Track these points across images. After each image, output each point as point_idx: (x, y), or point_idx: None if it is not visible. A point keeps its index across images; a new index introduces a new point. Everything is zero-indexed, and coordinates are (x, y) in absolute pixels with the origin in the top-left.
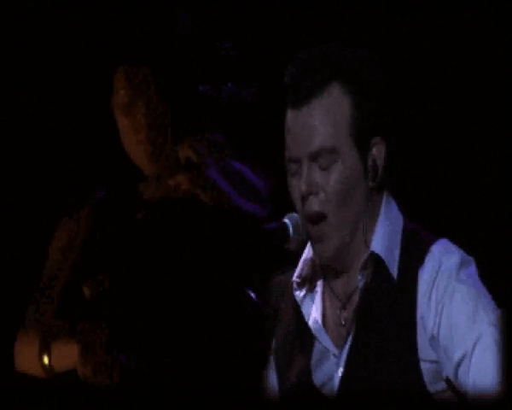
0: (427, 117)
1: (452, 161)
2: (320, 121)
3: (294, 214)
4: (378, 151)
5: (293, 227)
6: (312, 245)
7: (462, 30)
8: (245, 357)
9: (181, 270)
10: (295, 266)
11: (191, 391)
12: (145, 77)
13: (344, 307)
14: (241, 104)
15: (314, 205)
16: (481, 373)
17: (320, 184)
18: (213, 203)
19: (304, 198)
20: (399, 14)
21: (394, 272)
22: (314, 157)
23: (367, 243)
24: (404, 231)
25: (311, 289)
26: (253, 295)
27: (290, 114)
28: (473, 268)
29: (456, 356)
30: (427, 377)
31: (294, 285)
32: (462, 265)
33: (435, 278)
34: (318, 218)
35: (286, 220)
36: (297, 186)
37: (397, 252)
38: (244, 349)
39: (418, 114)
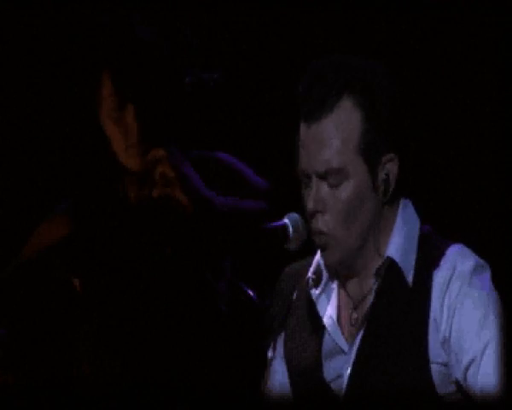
0: (439, 130)
1: (466, 167)
2: (329, 140)
3: (294, 214)
4: (390, 168)
5: (293, 227)
6: (319, 251)
7: (473, 41)
8: (242, 354)
9: (170, 268)
10: (307, 259)
11: (188, 389)
12: (132, 77)
13: (355, 308)
14: (204, 90)
15: (320, 224)
16: (489, 378)
17: (327, 202)
18: (196, 208)
19: (311, 215)
20: (410, 26)
21: (410, 276)
22: (322, 175)
23: (379, 252)
24: (421, 235)
25: (327, 288)
26: (249, 291)
27: (302, 126)
28: (487, 274)
29: (466, 360)
30: (436, 380)
31: (310, 282)
32: (475, 270)
33: (449, 282)
34: (323, 233)
35: (286, 220)
36: (307, 198)
37: (413, 256)
38: (240, 346)
39: (430, 127)
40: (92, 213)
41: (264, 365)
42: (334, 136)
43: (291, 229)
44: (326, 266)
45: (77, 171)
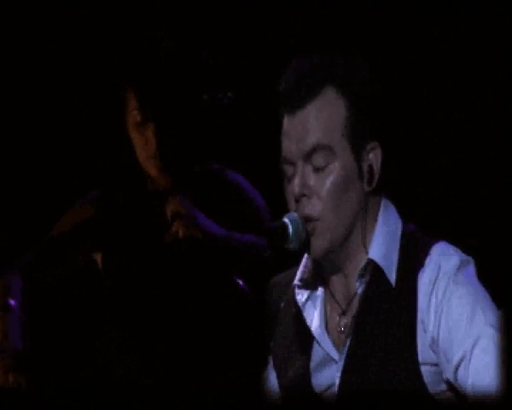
0: (424, 121)
1: (450, 162)
2: (314, 120)
3: (294, 214)
4: (374, 156)
5: (293, 227)
6: (308, 242)
7: (457, 30)
8: (239, 351)
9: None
10: (295, 267)
11: (187, 389)
12: (153, 96)
13: (344, 313)
14: (219, 107)
15: (307, 208)
16: (480, 374)
17: (314, 188)
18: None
19: (297, 200)
20: (394, 17)
21: (392, 277)
22: (308, 156)
23: (365, 245)
24: (403, 235)
25: (313, 294)
26: (241, 283)
27: (285, 120)
28: (471, 269)
29: (456, 358)
30: (427, 380)
31: (296, 289)
32: (460, 266)
33: (435, 281)
34: (311, 219)
35: (285, 220)
36: (291, 189)
37: (395, 257)
38: (238, 344)
39: (414, 118)
40: (113, 204)
41: (262, 365)
42: (320, 118)
43: (291, 228)
44: (313, 259)
45: (101, 169)
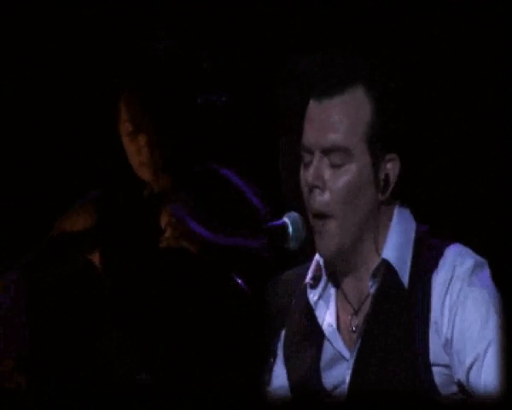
0: (442, 136)
1: (464, 168)
2: (338, 118)
3: (294, 213)
4: (392, 168)
5: (293, 226)
6: (316, 241)
7: (458, 31)
8: (238, 351)
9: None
10: (304, 265)
11: (186, 389)
12: (144, 106)
13: (356, 313)
14: (213, 110)
15: (319, 204)
16: (493, 378)
17: (327, 182)
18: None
19: (310, 190)
20: (397, 19)
21: (405, 279)
22: (327, 152)
23: (377, 250)
24: (417, 237)
25: (325, 293)
26: (241, 283)
27: (311, 104)
28: (486, 272)
29: (468, 360)
30: (438, 381)
31: (308, 287)
32: (475, 269)
33: (449, 283)
34: (323, 216)
35: (285, 219)
36: (305, 176)
37: (409, 258)
38: (237, 344)
39: (434, 135)
40: (113, 204)
41: (264, 367)
42: (344, 115)
43: (290, 228)
44: (324, 260)
45: (101, 169)
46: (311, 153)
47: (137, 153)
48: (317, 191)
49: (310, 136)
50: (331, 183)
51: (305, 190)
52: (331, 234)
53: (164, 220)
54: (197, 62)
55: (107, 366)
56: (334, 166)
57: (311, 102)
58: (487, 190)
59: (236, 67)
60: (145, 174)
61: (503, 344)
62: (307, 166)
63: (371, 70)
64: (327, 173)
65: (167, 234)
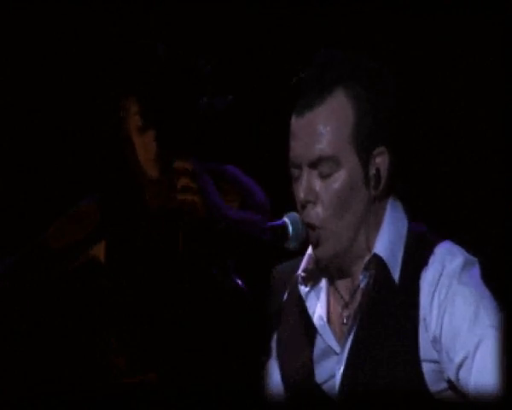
0: (432, 126)
1: (456, 163)
2: (322, 127)
3: (294, 213)
4: (382, 161)
5: (293, 226)
6: (312, 248)
7: (465, 35)
8: (238, 350)
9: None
10: (298, 258)
11: (186, 389)
12: (155, 102)
13: (347, 306)
14: (215, 112)
15: (311, 216)
16: (483, 375)
17: (319, 193)
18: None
19: (303, 206)
20: (402, 18)
21: (396, 274)
22: (314, 164)
23: (370, 248)
24: (409, 233)
25: (316, 285)
26: (239, 281)
27: (294, 119)
28: (476, 270)
29: (458, 358)
30: (428, 378)
31: (299, 279)
32: (465, 267)
33: (438, 280)
34: (317, 227)
35: (285, 219)
36: (297, 192)
37: (400, 255)
38: (237, 343)
39: (423, 124)
40: (114, 204)
41: (260, 365)
42: (327, 123)
43: (290, 228)
44: (317, 261)
45: (102, 169)
46: (300, 168)
47: (145, 148)
48: (309, 206)
49: (296, 151)
50: (323, 194)
51: (298, 205)
52: (326, 243)
53: (182, 166)
54: (199, 65)
55: (107, 366)
56: (323, 177)
57: (293, 118)
58: (481, 185)
59: (240, 66)
60: (151, 170)
61: (503, 344)
62: (297, 180)
63: (348, 69)
64: (317, 185)
65: (183, 182)
